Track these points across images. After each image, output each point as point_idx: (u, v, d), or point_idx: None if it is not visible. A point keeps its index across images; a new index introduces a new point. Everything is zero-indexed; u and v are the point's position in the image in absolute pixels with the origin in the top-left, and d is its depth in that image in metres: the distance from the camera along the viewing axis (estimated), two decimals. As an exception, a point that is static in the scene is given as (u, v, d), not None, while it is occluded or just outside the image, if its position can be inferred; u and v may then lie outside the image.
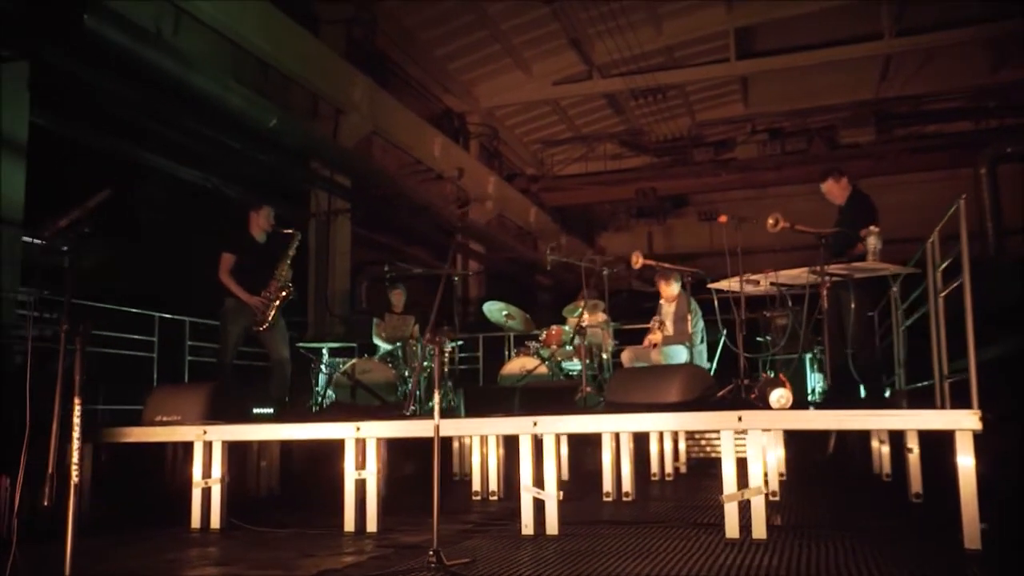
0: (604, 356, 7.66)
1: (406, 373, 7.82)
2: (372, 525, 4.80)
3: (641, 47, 15.21)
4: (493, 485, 6.47)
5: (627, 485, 6.12)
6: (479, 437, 6.43)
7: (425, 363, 7.96)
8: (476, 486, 6.51)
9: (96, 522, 5.30)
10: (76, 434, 3.50)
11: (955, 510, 3.86)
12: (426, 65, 14.90)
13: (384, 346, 8.42)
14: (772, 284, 5.77)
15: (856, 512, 5.49)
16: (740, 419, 4.25)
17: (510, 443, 7.11)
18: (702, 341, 7.07)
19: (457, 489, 7.02)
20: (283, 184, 11.56)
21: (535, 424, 4.56)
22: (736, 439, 4.33)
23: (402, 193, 13.11)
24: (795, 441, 8.72)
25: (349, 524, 4.84)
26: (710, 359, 7.09)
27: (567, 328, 7.81)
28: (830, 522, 4.96)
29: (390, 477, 8.38)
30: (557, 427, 4.59)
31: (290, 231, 6.55)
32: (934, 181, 16.33)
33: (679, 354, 6.91)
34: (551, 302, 17.19)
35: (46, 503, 4.55)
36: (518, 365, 7.73)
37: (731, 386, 5.01)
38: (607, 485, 6.08)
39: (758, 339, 7.68)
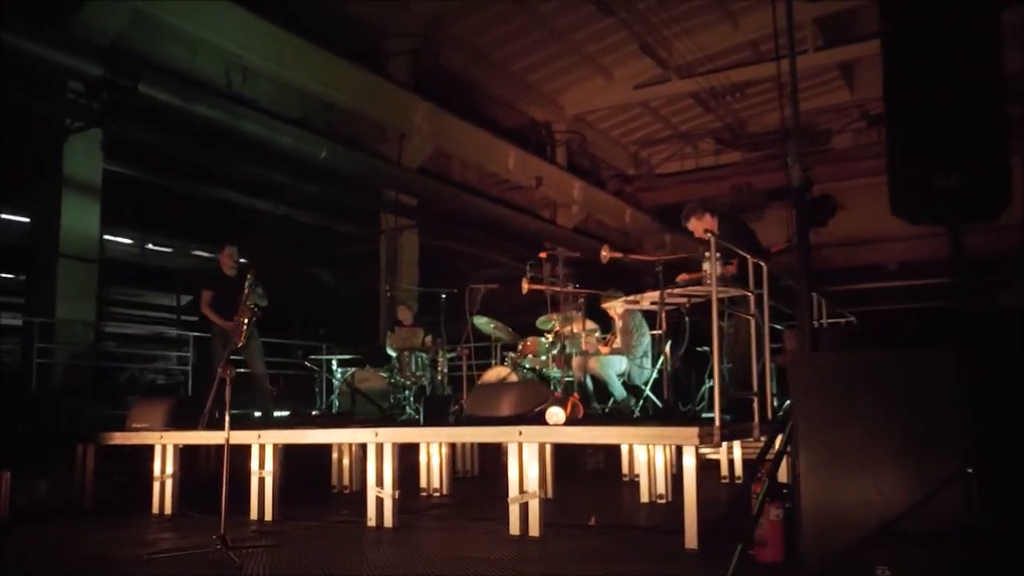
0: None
1: (403, 381, 8.77)
2: (268, 515, 5.82)
3: (717, 45, 15.30)
4: (436, 483, 7.30)
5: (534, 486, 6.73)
6: (425, 444, 7.27)
7: (419, 373, 8.90)
8: (423, 483, 7.37)
9: (96, 508, 6.69)
10: None
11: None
12: (505, 81, 15.71)
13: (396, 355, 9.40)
14: (653, 303, 6.16)
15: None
16: (520, 433, 4.85)
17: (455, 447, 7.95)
18: (645, 355, 7.47)
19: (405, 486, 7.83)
20: (343, 207, 12.90)
21: (376, 435, 5.39)
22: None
23: (469, 207, 14.07)
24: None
25: (253, 513, 5.88)
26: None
27: (542, 340, 8.43)
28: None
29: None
30: (392, 437, 5.39)
31: (247, 263, 7.61)
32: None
33: (618, 364, 7.36)
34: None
35: (43, 493, 5.98)
36: (494, 374, 8.45)
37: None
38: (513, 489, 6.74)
39: (698, 349, 7.91)
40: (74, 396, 7.79)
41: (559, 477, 8.25)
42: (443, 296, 8.84)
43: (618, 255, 5.73)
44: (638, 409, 7.08)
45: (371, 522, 5.35)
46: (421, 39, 13.75)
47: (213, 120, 9.95)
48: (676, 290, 5.67)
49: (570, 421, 5.00)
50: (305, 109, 12.09)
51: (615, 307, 7.71)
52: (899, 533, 3.25)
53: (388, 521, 5.29)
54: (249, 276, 7.50)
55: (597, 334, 8.34)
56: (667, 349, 6.10)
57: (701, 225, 6.04)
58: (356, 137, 12.73)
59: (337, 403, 8.77)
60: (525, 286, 6.68)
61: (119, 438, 6.66)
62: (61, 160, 9.16)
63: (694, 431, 4.29)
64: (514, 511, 4.84)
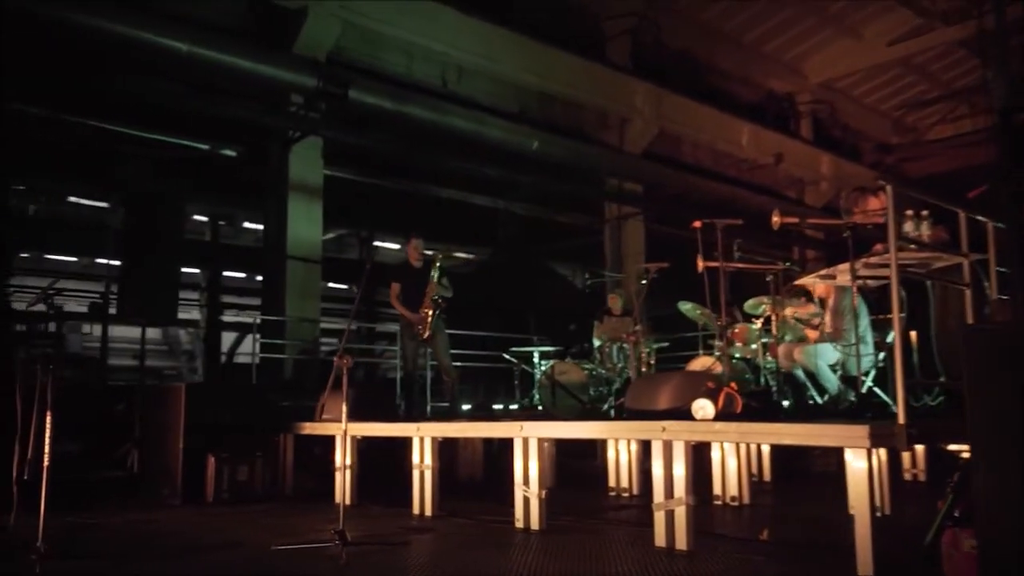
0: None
1: (604, 372, 8.29)
2: (428, 509, 5.63)
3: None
4: (625, 482, 6.74)
5: (733, 490, 5.97)
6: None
7: (620, 364, 8.37)
8: (612, 482, 6.84)
9: (295, 494, 6.96)
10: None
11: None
12: (736, 53, 14.63)
13: (603, 346, 8.92)
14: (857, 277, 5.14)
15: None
16: (664, 429, 4.19)
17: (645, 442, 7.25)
18: (862, 340, 6.33)
19: (599, 485, 7.28)
20: (565, 198, 12.60)
21: (521, 428, 4.97)
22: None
23: (699, 189, 13.21)
24: None
25: (416, 507, 5.73)
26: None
27: (752, 326, 7.54)
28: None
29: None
30: (538, 432, 4.93)
31: (431, 254, 7.47)
32: None
33: (824, 354, 6.33)
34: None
35: (244, 478, 6.32)
36: (700, 364, 7.69)
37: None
38: (722, 489, 6.02)
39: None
40: (285, 388, 8.20)
41: (778, 478, 7.39)
42: (643, 281, 8.23)
43: (793, 220, 4.83)
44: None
45: (519, 523, 4.96)
46: (641, 18, 13.13)
47: (424, 120, 10.13)
48: (873, 259, 4.66)
49: (723, 415, 4.26)
50: (521, 102, 12.00)
51: (808, 284, 6.66)
52: None
53: (535, 523, 4.87)
54: (434, 267, 7.48)
55: (817, 319, 7.31)
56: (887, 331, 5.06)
57: (868, 209, 4.97)
58: (577, 126, 12.43)
59: (538, 397, 8.48)
60: (700, 264, 5.93)
61: (308, 428, 6.87)
62: (287, 168, 9.77)
63: (862, 430, 3.42)
64: (659, 519, 4.19)
